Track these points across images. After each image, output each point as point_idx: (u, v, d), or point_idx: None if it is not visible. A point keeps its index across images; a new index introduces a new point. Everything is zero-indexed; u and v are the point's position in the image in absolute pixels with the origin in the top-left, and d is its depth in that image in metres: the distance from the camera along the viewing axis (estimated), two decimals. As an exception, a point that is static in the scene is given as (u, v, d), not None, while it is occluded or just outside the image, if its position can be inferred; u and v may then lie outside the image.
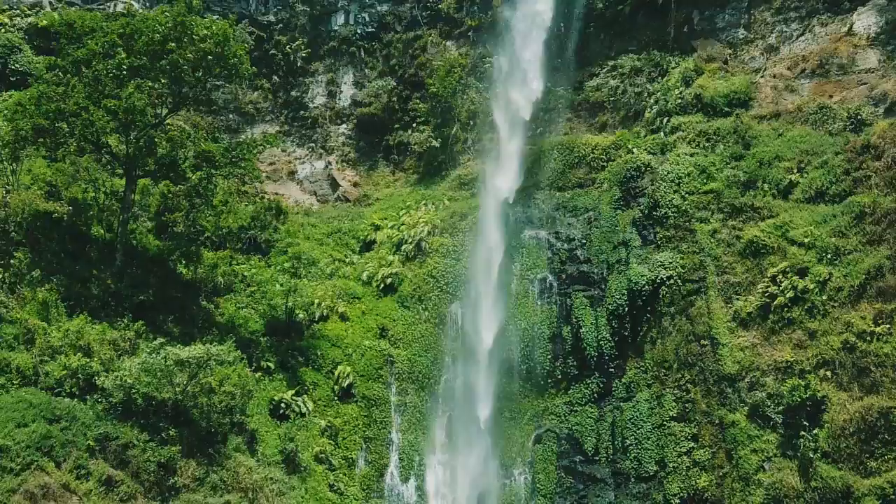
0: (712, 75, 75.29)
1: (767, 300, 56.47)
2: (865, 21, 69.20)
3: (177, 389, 49.41)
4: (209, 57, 58.49)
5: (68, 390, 47.44)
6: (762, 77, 73.64)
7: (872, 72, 67.38)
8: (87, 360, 48.53)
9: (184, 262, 62.99)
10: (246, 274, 69.73)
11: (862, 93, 66.48)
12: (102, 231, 60.89)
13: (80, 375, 47.93)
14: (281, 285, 66.09)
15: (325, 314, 68.01)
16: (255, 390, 56.88)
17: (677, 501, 56.60)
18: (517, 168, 76.49)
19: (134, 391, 47.87)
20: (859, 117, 64.17)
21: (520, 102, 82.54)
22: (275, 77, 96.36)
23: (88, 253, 58.11)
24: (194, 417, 50.21)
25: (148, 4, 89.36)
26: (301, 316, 66.17)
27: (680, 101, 74.25)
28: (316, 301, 67.68)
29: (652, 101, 77.43)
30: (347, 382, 64.01)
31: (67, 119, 54.74)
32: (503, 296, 68.49)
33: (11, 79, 75.21)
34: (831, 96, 68.19)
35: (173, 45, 57.21)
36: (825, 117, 66.56)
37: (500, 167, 77.78)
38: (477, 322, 68.38)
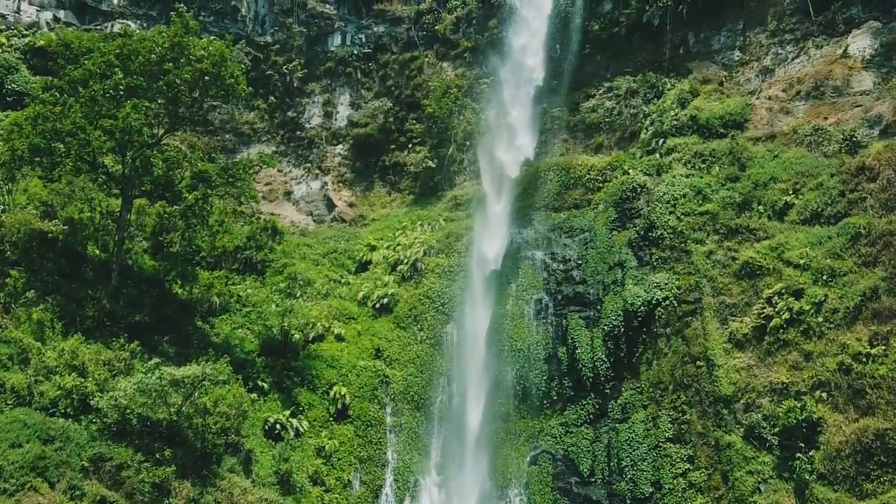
0: (708, 97, 75.49)
1: (763, 321, 56.40)
2: (860, 44, 69.41)
3: (171, 410, 49.32)
4: (206, 77, 58.62)
5: (63, 410, 47.35)
6: (757, 99, 73.79)
7: (867, 94, 67.49)
8: (82, 381, 48.49)
9: (179, 282, 62.95)
10: (241, 294, 69.74)
11: (857, 115, 66.57)
12: (98, 251, 60.84)
13: (74, 396, 47.88)
14: (276, 305, 65.99)
15: (320, 334, 68.04)
16: (250, 411, 56.82)
17: (673, 523, 56.58)
18: (506, 230, 75.42)
19: (129, 411, 47.79)
20: (854, 139, 64.23)
21: (506, 161, 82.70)
22: (271, 97, 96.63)
23: (84, 273, 58.05)
24: (189, 438, 50.10)
25: (145, 25, 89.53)
26: (296, 336, 66.08)
27: (675, 122, 74.41)
28: (311, 321, 67.61)
29: (648, 122, 77.64)
30: (342, 403, 63.90)
31: (64, 139, 54.76)
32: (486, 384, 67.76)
33: (8, 99, 75.41)
34: (826, 118, 68.29)
35: (170, 65, 57.29)
36: (820, 139, 66.63)
37: (486, 230, 76.82)
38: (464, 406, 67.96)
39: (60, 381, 48.02)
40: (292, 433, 59.71)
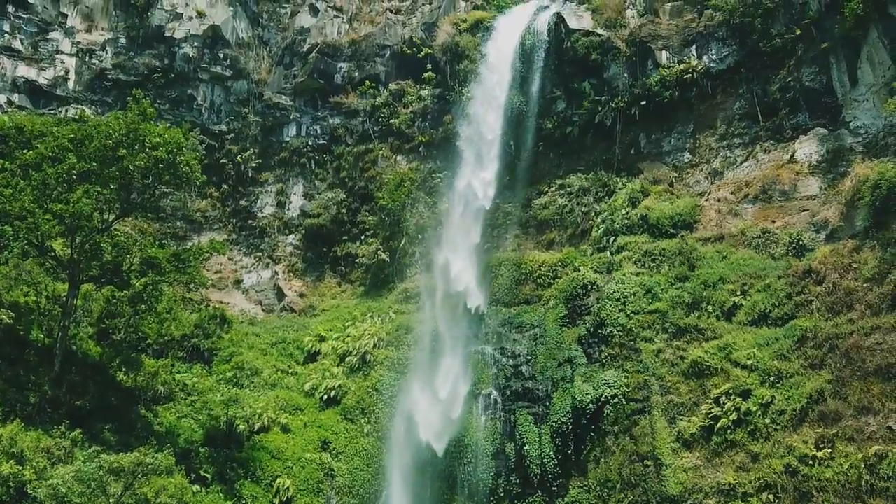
0: (658, 197, 76.55)
1: (711, 421, 56.39)
2: (807, 149, 70.90)
3: (111, 500, 48.12)
4: (160, 164, 58.47)
5: (-1, 499, 46.18)
6: (707, 200, 74.90)
7: (814, 199, 68.78)
8: (20, 469, 47.22)
9: (124, 369, 62.00)
10: (187, 382, 68.83)
11: (804, 219, 67.77)
12: (42, 336, 59.89)
13: (11, 484, 46.57)
14: (222, 395, 65.16)
15: (266, 425, 67.02)
16: (192, 502, 55.56)
17: None
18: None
19: (66, 501, 46.54)
20: (801, 243, 65.34)
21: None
22: (224, 186, 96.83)
23: (27, 358, 57.03)
24: (128, 530, 48.91)
25: (100, 111, 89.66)
26: (241, 427, 65.15)
27: (626, 221, 75.26)
28: (257, 412, 66.77)
29: (599, 220, 78.43)
30: (286, 496, 62.73)
31: (12, 222, 54.16)
32: None
33: (-43, 180, 74.62)
34: (774, 221, 69.41)
35: (125, 151, 57.12)
36: (768, 242, 67.69)
37: None
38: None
39: (-3, 468, 46.91)
40: (234, 526, 58.63)
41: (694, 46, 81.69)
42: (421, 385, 70.35)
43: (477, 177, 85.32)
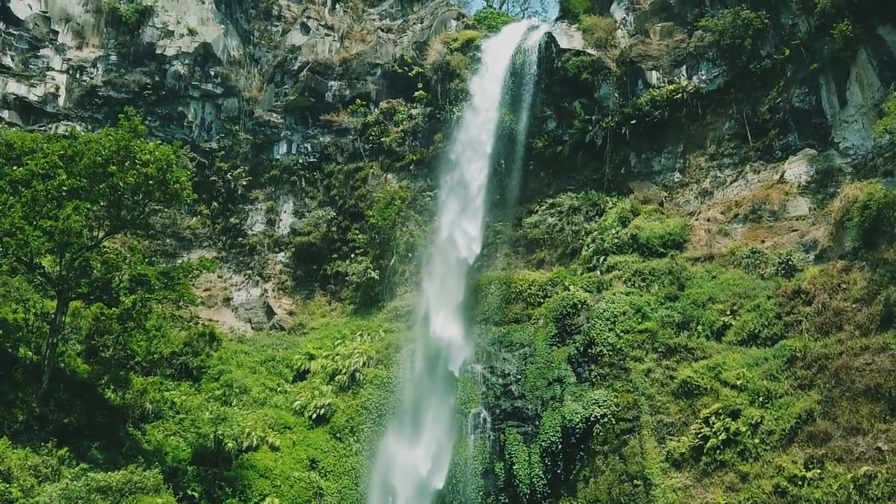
0: (648, 216, 76.65)
1: (700, 441, 56.27)
2: (796, 170, 71.06)
3: (98, 519, 47.94)
4: (150, 182, 58.34)
5: (-16, 517, 45.87)
6: (696, 220, 75.00)
7: (803, 219, 68.89)
8: (7, 486, 46.94)
9: (112, 386, 61.72)
10: (175, 400, 68.54)
11: (793, 239, 67.83)
12: (30, 353, 59.61)
13: (-3, 502, 46.46)
14: (210, 413, 64.88)
15: (254, 444, 66.78)
16: (179, 522, 55.37)
17: None
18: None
19: (53, 520, 46.37)
20: (790, 263, 65.32)
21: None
22: (214, 203, 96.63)
23: (14, 375, 56.72)
24: (114, 549, 48.63)
25: (90, 128, 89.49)
26: (230, 445, 64.89)
27: (616, 240, 75.32)
28: (246, 430, 66.52)
29: (589, 239, 78.48)
30: (275, 515, 62.59)
31: (1, 239, 53.95)
32: None
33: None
34: (763, 241, 69.50)
35: (115, 168, 56.99)
36: (757, 261, 67.72)
37: None
38: None
39: (-16, 486, 46.63)
40: (222, 545, 58.34)
41: (684, 67, 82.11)
42: (401, 452, 69.25)
43: (460, 229, 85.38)
